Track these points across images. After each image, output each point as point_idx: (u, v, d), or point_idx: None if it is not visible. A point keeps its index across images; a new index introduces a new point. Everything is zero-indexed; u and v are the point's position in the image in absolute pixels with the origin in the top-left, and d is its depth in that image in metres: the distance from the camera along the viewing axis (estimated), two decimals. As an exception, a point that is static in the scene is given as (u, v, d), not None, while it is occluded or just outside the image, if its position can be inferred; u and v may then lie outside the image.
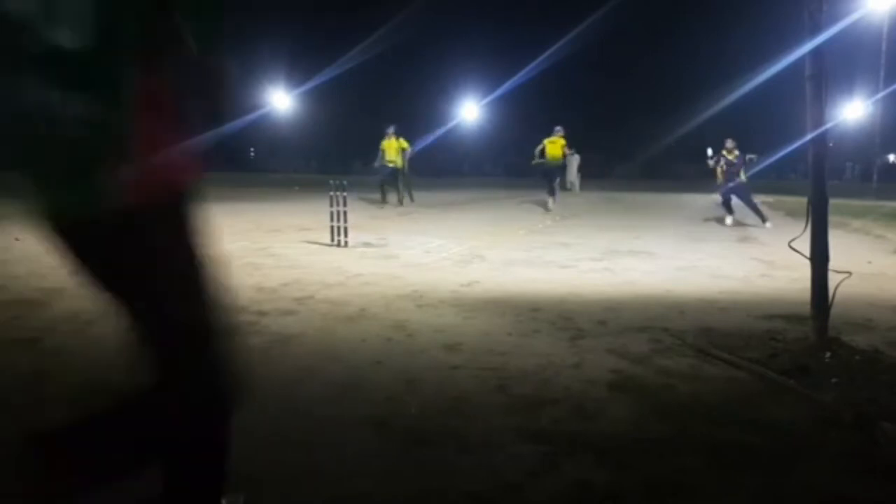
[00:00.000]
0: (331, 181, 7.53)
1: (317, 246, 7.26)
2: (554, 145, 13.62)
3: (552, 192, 14.00)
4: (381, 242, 7.68)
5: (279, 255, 6.54)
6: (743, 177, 10.82)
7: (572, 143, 14.39)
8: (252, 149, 56.64)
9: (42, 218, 1.38)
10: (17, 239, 7.17)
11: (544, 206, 13.92)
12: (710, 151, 12.32)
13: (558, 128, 13.71)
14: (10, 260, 5.88)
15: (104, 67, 1.18)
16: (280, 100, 42.78)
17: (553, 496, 1.90)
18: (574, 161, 21.40)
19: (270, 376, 2.87)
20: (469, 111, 41.14)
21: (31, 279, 4.99)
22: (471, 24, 46.52)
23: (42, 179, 1.32)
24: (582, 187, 23.20)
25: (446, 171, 46.08)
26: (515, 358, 3.18)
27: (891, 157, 46.03)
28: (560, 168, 14.61)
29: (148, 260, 1.38)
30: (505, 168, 50.42)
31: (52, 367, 2.94)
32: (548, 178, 14.10)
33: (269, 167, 47.52)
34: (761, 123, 43.77)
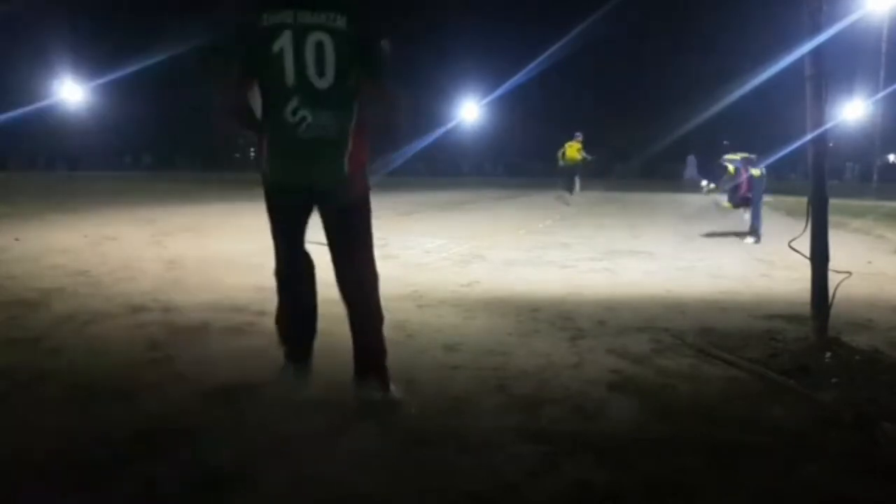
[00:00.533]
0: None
1: (317, 246, 7.25)
2: (571, 149, 15.98)
3: (570, 189, 16.23)
4: (381, 242, 7.67)
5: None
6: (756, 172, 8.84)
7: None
8: (252, 149, 56.60)
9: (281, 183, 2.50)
10: (16, 239, 7.18)
11: (563, 201, 15.57)
12: (704, 182, 11.57)
13: (578, 133, 16.07)
14: (9, 260, 5.88)
15: (341, 100, 2.37)
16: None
17: (553, 496, 1.90)
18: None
19: (270, 376, 2.87)
20: (469, 111, 41.12)
21: (31, 279, 4.99)
22: (471, 24, 46.50)
23: (292, 160, 2.43)
24: (582, 187, 23.21)
25: (446, 172, 46.08)
26: (515, 358, 3.18)
27: (891, 157, 46.01)
28: (576, 168, 16.57)
29: (353, 200, 2.48)
30: (505, 168, 50.39)
31: (52, 367, 2.94)
32: (565, 177, 16.50)
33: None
34: (761, 123, 43.79)
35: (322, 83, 2.32)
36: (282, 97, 2.34)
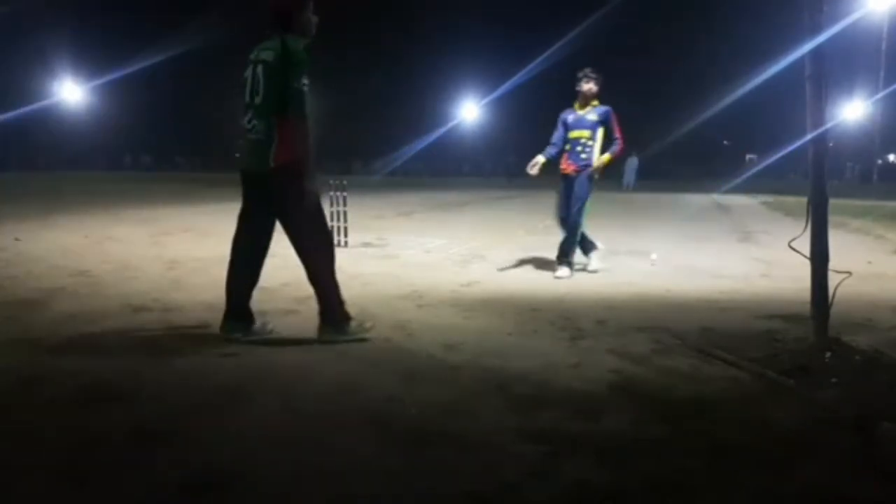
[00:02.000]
0: (331, 181, 7.52)
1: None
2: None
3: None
4: (381, 242, 7.68)
5: (279, 255, 6.52)
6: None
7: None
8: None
9: (241, 171, 3.35)
10: (17, 239, 7.18)
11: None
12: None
13: None
14: (9, 260, 5.89)
15: (268, 112, 3.19)
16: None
17: (553, 496, 1.90)
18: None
19: (270, 376, 2.87)
20: (469, 111, 41.15)
21: (31, 279, 4.99)
22: (470, 24, 46.50)
23: (246, 154, 3.31)
24: None
25: (446, 172, 46.07)
26: (515, 358, 3.18)
27: (891, 157, 46.01)
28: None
29: (281, 190, 3.21)
30: (506, 168, 50.36)
31: (51, 367, 2.94)
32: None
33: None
34: (761, 123, 43.81)
35: (258, 100, 3.22)
36: (244, 109, 3.31)
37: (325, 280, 3.39)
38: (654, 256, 5.42)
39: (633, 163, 25.99)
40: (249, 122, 3.24)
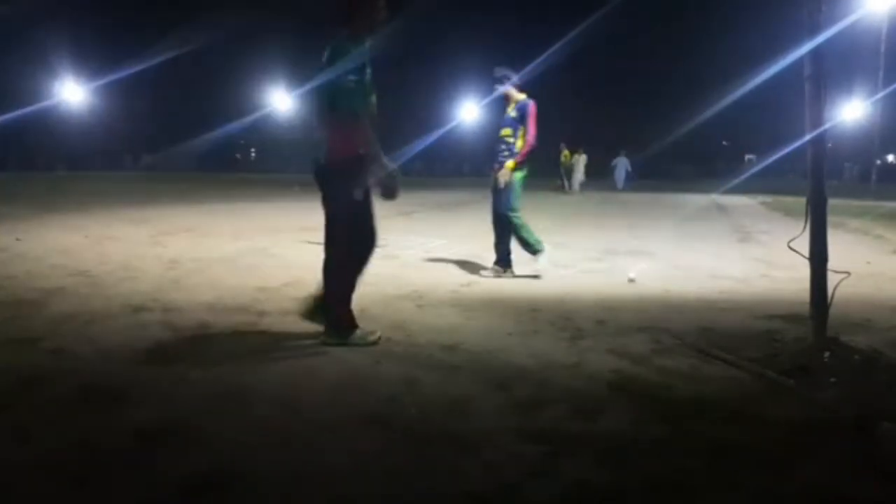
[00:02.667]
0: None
1: (317, 246, 7.24)
2: (565, 155, 23.23)
3: (566, 184, 23.04)
4: (381, 242, 7.66)
5: (280, 256, 6.54)
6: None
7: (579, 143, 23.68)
8: (253, 150, 56.62)
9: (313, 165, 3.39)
10: (17, 239, 7.18)
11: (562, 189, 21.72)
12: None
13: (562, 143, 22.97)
14: (10, 260, 5.88)
15: (320, 109, 3.35)
16: (280, 100, 42.79)
17: (553, 496, 1.90)
18: (580, 161, 23.10)
19: (271, 377, 2.87)
20: (469, 111, 41.10)
21: (31, 279, 4.99)
22: (471, 24, 46.47)
23: (314, 149, 3.38)
24: (583, 187, 23.31)
25: (446, 172, 46.03)
26: (515, 358, 3.18)
27: (889, 158, 46.02)
28: (570, 168, 23.32)
29: (327, 185, 3.33)
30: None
31: (52, 367, 2.94)
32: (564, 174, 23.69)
33: (268, 167, 47.49)
34: (761, 123, 43.79)
35: (315, 99, 3.39)
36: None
37: (332, 282, 3.36)
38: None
39: (621, 163, 25.31)
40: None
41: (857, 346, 3.20)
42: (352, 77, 3.17)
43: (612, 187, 24.05)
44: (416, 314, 4.09)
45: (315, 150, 3.34)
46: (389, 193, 3.39)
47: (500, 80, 5.39)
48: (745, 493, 1.95)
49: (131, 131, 43.49)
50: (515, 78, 5.39)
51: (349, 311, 3.37)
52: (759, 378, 2.89)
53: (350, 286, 3.38)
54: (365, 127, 3.22)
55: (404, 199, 6.92)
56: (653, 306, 4.41)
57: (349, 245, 3.37)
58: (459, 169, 49.36)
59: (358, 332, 3.37)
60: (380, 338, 3.43)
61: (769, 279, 5.57)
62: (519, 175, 5.31)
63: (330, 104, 3.23)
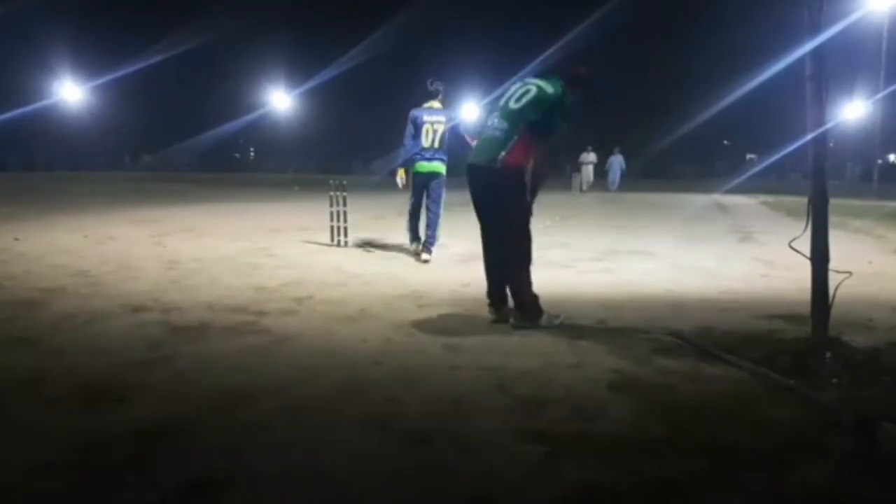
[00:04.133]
0: (331, 181, 7.52)
1: (317, 246, 7.26)
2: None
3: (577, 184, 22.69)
4: (381, 242, 7.67)
5: (279, 255, 6.54)
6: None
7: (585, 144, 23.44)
8: (252, 149, 56.67)
9: (469, 164, 3.93)
10: (17, 239, 7.18)
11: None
12: None
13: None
14: (9, 260, 5.89)
15: (517, 119, 3.75)
16: (280, 100, 42.78)
17: (553, 496, 1.90)
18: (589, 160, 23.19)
19: (270, 376, 2.87)
20: (468, 112, 41.13)
21: (31, 279, 4.99)
22: (470, 24, 46.47)
23: (478, 148, 3.92)
24: (585, 188, 23.23)
25: (446, 172, 45.91)
26: (515, 358, 3.18)
27: (891, 157, 45.98)
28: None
29: (503, 183, 3.76)
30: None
31: (52, 367, 2.94)
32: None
33: (268, 167, 47.52)
34: (761, 123, 43.78)
35: (514, 105, 3.80)
36: (493, 108, 4.06)
37: (520, 275, 3.78)
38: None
39: (616, 161, 23.87)
40: (495, 119, 3.82)
41: (858, 347, 3.19)
42: (560, 122, 3.76)
43: (607, 189, 23.36)
44: (416, 314, 4.09)
45: (484, 145, 3.81)
46: (532, 199, 3.87)
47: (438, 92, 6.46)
48: (745, 493, 1.94)
49: (130, 131, 43.52)
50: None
51: (536, 298, 3.79)
52: (759, 378, 2.89)
53: (530, 275, 3.81)
54: (547, 147, 3.81)
55: (405, 199, 6.95)
56: (653, 306, 4.41)
57: (529, 241, 3.82)
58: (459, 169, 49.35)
59: (545, 316, 3.79)
60: (563, 321, 3.82)
61: (770, 279, 5.56)
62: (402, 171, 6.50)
63: (534, 119, 3.69)
